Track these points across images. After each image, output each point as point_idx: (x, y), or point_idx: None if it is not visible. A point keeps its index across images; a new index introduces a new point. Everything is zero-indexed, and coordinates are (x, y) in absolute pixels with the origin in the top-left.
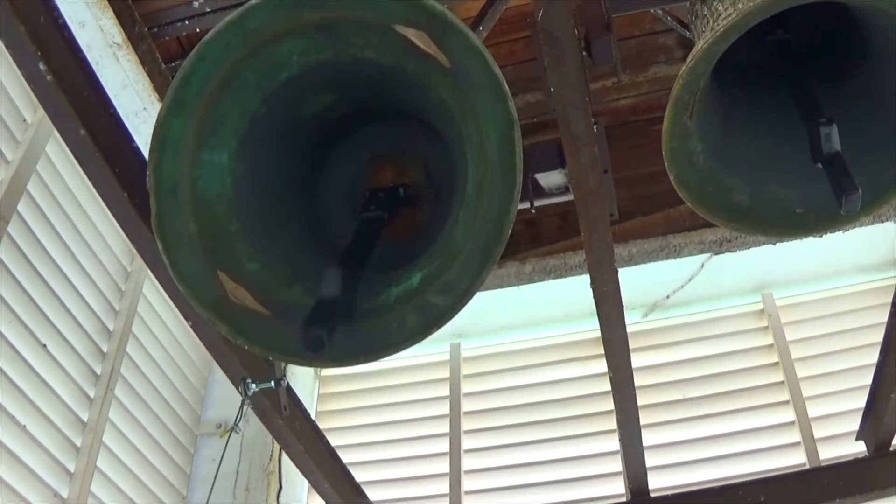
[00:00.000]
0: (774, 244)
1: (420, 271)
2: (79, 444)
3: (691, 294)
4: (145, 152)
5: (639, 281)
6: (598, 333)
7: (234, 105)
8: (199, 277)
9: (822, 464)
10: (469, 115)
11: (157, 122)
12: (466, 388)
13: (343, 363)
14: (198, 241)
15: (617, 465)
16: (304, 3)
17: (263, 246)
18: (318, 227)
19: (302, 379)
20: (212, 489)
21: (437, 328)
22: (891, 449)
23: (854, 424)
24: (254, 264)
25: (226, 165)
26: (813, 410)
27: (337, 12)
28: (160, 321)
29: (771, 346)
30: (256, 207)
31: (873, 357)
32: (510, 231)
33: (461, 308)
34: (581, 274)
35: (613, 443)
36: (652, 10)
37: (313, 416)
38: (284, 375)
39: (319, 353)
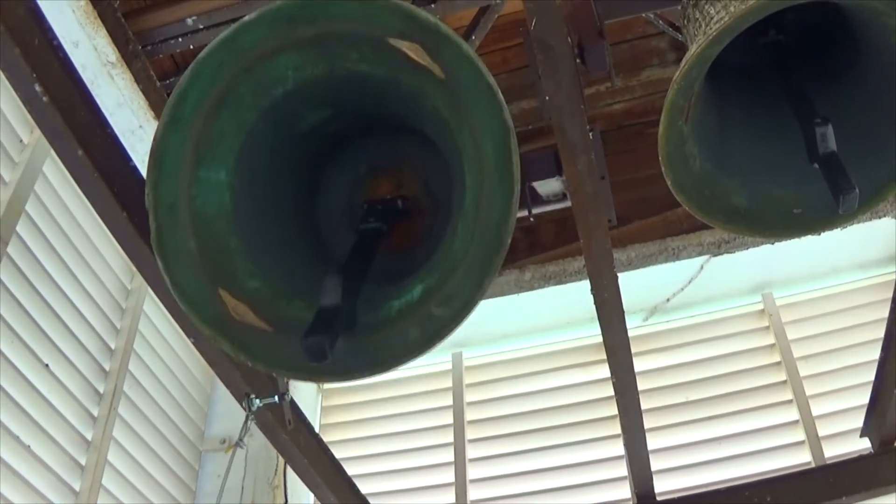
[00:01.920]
0: (773, 244)
1: (421, 283)
2: (83, 462)
3: (691, 296)
4: (143, 170)
5: (638, 285)
6: (600, 339)
7: (230, 122)
8: (199, 294)
9: (828, 462)
10: (465, 125)
11: (153, 140)
12: (469, 397)
13: (346, 377)
14: (198, 259)
15: (622, 469)
16: (297, 19)
17: (263, 262)
18: (318, 242)
19: (305, 392)
20: None
21: (441, 340)
22: (895, 445)
23: (858, 421)
24: (254, 281)
25: (224, 182)
26: (816, 409)
27: (331, 27)
28: (162, 338)
29: (773, 345)
30: (255, 224)
31: (875, 353)
32: (510, 240)
33: (464, 319)
34: (580, 279)
35: (618, 447)
36: (643, 14)
37: (317, 430)
38: (287, 390)
39: (321, 362)
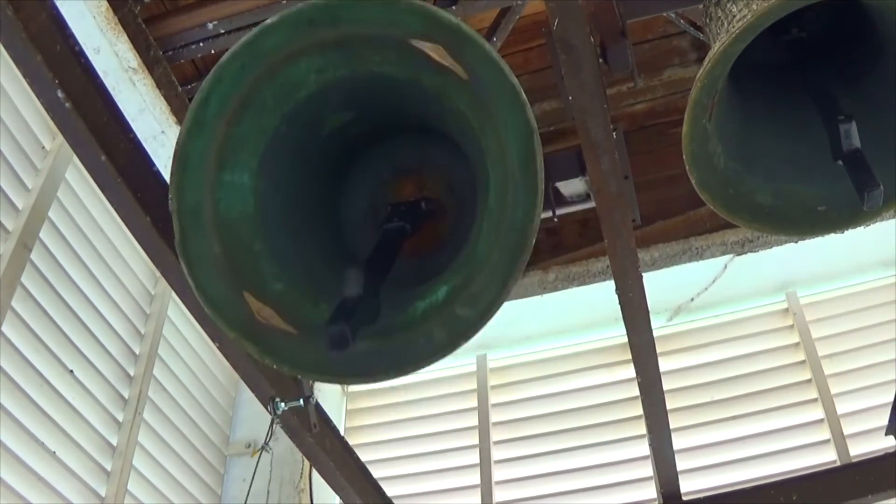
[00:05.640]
0: (796, 242)
1: (446, 284)
2: (109, 468)
3: (715, 296)
4: (165, 175)
5: (662, 285)
6: (624, 339)
7: (253, 125)
8: (224, 298)
9: (853, 460)
10: (488, 126)
11: (177, 144)
12: (494, 398)
13: (371, 379)
14: (222, 262)
15: (648, 469)
16: (318, 22)
17: (288, 265)
18: (343, 244)
19: (330, 395)
20: None
21: (466, 340)
22: None
23: (883, 419)
24: (279, 284)
25: (247, 185)
26: (841, 407)
27: (352, 29)
28: (186, 343)
29: (797, 344)
30: (279, 226)
31: None
32: (534, 240)
33: (489, 319)
34: (604, 280)
35: (643, 448)
36: (665, 14)
37: (342, 432)
38: (312, 393)
39: (344, 349)
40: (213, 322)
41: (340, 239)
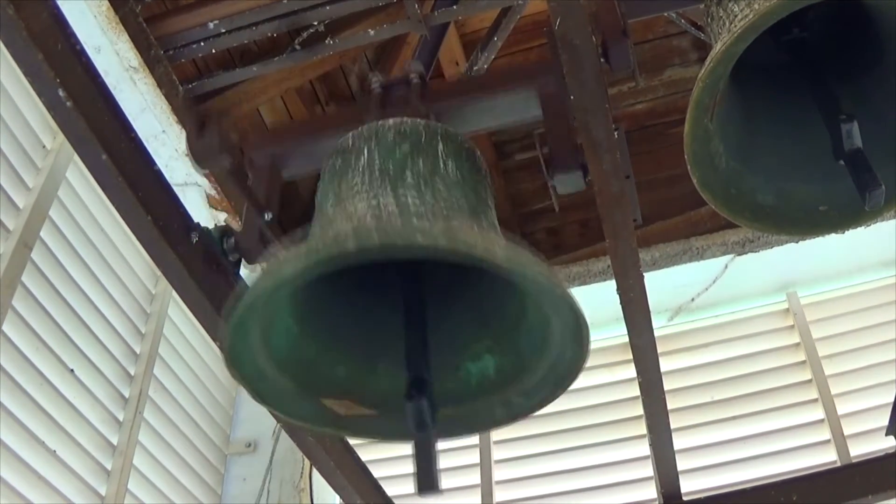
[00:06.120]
0: (797, 242)
1: (491, 356)
2: (109, 467)
3: (716, 296)
4: (167, 175)
5: (663, 285)
6: (625, 339)
7: (283, 300)
8: (315, 415)
9: (853, 461)
10: (530, 301)
11: (224, 351)
12: None
13: (448, 438)
14: (297, 391)
15: (648, 470)
16: (334, 263)
17: (336, 344)
18: (373, 296)
19: None
20: None
21: (524, 418)
22: None
23: (883, 420)
24: (340, 368)
25: (291, 326)
26: (842, 407)
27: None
28: (186, 342)
29: (798, 344)
30: (317, 315)
31: None
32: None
33: (543, 407)
34: (605, 280)
35: (644, 448)
36: (666, 13)
37: None
38: None
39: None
40: (212, 321)
41: (371, 293)
